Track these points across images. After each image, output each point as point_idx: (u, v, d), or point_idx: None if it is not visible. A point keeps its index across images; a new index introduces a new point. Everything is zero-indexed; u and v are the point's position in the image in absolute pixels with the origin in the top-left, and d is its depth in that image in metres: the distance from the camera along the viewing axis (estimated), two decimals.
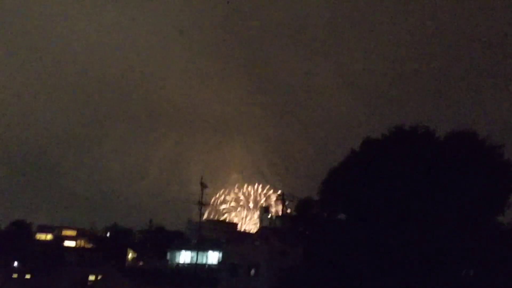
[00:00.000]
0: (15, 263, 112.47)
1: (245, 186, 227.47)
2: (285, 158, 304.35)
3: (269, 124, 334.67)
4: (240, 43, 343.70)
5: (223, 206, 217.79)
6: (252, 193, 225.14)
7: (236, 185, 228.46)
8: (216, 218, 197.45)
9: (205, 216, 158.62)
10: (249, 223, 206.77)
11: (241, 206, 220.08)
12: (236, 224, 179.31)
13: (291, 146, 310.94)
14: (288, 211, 76.70)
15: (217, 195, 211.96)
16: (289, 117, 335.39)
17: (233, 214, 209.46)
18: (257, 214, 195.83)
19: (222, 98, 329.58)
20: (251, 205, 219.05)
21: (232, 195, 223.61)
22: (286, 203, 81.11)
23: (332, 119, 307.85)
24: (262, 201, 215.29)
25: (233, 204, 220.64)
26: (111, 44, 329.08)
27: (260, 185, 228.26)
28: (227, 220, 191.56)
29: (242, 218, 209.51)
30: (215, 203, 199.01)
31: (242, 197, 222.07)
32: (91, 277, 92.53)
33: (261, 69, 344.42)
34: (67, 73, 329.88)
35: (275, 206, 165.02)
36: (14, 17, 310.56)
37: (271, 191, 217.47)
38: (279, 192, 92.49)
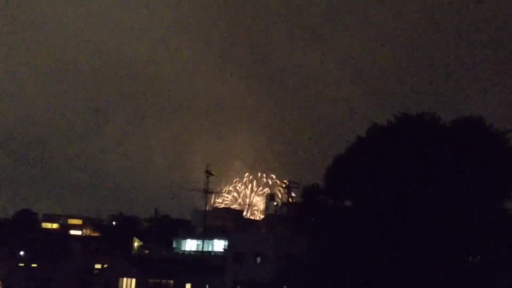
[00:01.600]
0: (21, 252, 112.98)
1: (248, 174, 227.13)
2: (289, 146, 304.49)
3: (273, 111, 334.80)
4: (243, 30, 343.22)
5: (225, 195, 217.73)
6: (255, 181, 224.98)
7: (238, 173, 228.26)
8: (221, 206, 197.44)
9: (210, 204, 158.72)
10: (254, 211, 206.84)
11: (243, 193, 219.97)
12: (242, 212, 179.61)
13: (295, 133, 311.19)
14: (294, 200, 76.64)
15: (221, 187, 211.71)
16: (293, 104, 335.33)
17: (234, 205, 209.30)
18: (262, 202, 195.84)
19: (225, 86, 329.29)
20: (253, 195, 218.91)
21: (234, 184, 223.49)
22: (292, 193, 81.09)
23: (337, 106, 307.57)
24: (266, 189, 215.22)
25: (235, 194, 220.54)
26: (112, 32, 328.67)
27: (264, 173, 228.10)
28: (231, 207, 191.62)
29: (246, 206, 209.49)
30: (218, 194, 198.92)
31: (243, 187, 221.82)
32: (97, 266, 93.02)
33: (264, 56, 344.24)
34: (69, 63, 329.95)
35: (280, 194, 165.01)
36: (20, 3, 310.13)
37: (276, 179, 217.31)
38: (284, 180, 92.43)
